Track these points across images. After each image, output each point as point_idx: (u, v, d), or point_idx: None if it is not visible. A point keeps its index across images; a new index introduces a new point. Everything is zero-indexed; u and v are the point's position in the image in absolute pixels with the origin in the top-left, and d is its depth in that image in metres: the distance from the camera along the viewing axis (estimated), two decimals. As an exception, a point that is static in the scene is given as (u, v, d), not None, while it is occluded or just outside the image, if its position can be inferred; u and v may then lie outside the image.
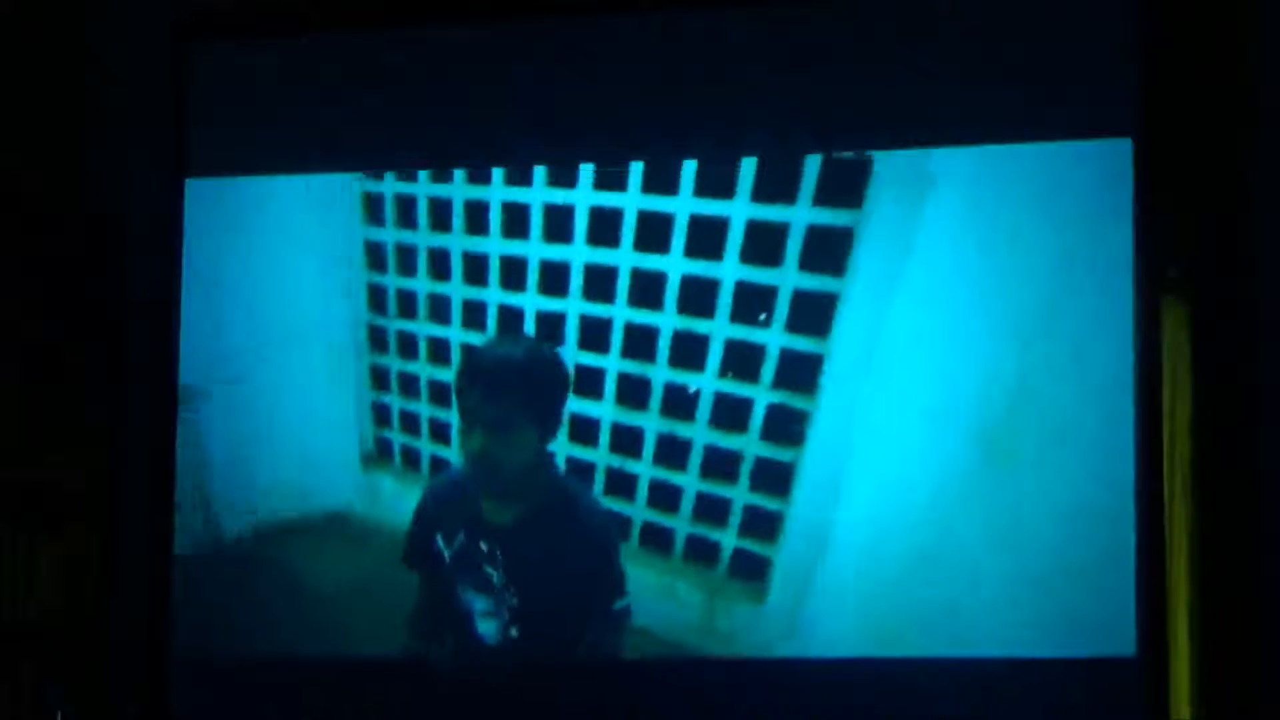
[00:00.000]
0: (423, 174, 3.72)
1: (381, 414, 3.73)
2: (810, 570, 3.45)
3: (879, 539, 3.41)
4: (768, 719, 3.47)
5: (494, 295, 3.66)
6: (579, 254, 3.61)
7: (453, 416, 3.67)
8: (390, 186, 3.73)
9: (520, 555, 3.63)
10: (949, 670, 3.37)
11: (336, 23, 3.82)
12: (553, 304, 3.62)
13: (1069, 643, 3.31)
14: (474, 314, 3.67)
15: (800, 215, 3.48)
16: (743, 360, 3.51)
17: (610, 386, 3.59)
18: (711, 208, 3.53)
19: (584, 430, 3.60)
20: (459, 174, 3.70)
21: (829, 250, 3.45)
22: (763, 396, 3.50)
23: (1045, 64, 3.42)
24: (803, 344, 3.47)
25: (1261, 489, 3.28)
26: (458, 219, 3.70)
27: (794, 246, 3.47)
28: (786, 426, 3.48)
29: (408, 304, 3.72)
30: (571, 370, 3.61)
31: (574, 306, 3.61)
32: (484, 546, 3.64)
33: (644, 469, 3.57)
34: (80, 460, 3.81)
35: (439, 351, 3.69)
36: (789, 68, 3.56)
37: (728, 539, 3.52)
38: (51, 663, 3.73)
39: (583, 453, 3.60)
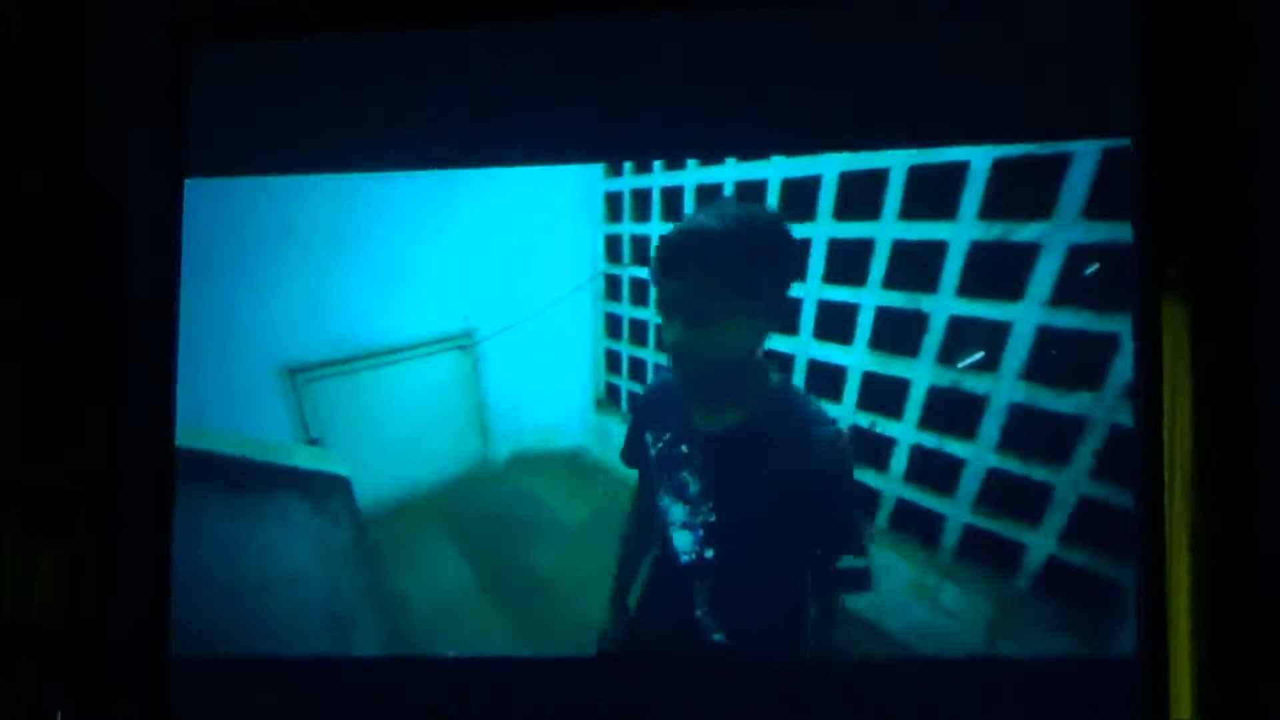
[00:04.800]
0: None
1: (612, 360, 3.64)
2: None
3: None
4: (765, 718, 3.48)
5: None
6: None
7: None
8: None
9: (724, 467, 3.15)
10: (949, 670, 3.37)
11: (336, 23, 3.82)
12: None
13: (1069, 643, 3.31)
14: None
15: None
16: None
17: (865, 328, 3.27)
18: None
19: (834, 325, 3.21)
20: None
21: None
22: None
23: (1045, 64, 3.42)
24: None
25: (1261, 489, 3.28)
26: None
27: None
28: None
29: (641, 251, 3.56)
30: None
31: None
32: (684, 449, 3.23)
33: (906, 430, 3.21)
34: (80, 460, 3.80)
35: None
36: (787, 68, 3.57)
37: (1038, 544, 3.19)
38: (51, 663, 3.73)
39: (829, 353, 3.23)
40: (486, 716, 3.61)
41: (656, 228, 3.57)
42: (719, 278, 3.14)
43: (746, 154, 3.55)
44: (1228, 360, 3.32)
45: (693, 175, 3.55)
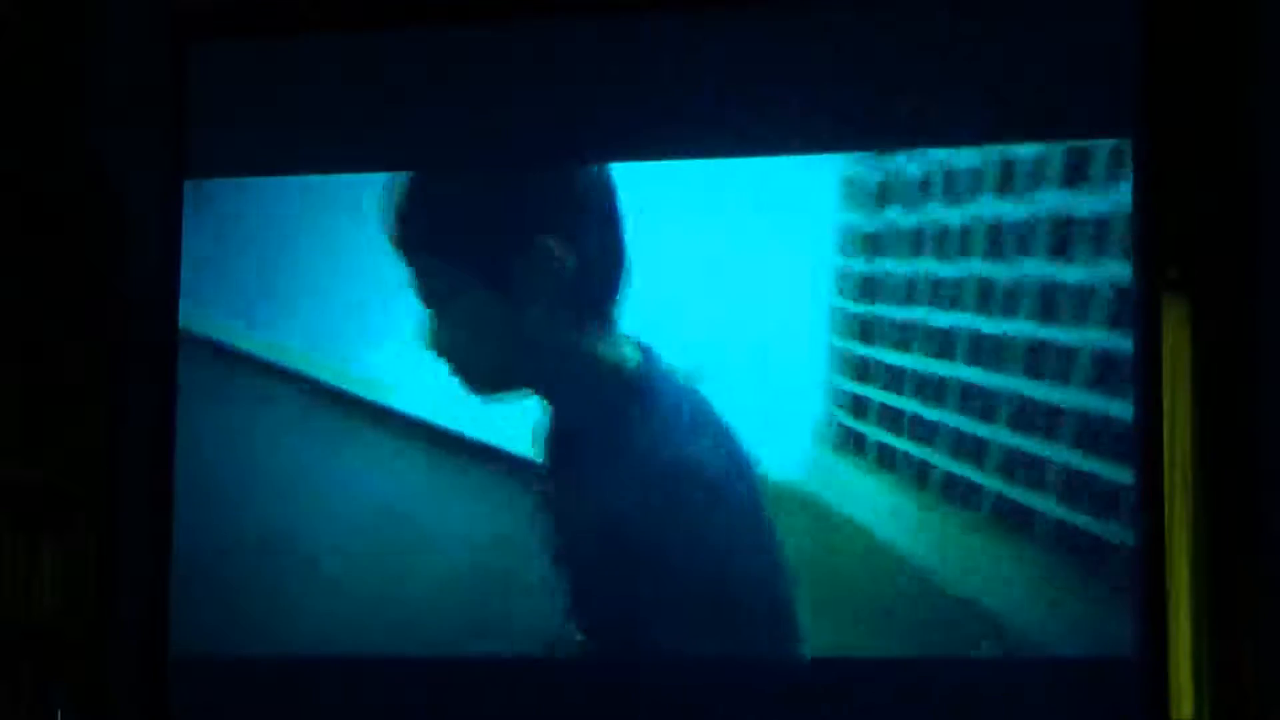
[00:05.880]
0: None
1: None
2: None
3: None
4: (762, 718, 3.48)
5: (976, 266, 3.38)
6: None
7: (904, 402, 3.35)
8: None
9: (555, 496, 2.57)
10: (949, 670, 3.37)
11: (336, 23, 3.82)
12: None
13: (1069, 643, 3.31)
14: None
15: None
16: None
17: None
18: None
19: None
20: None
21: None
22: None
23: (1045, 64, 3.43)
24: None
25: (1261, 489, 3.28)
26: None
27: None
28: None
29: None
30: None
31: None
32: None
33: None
34: (80, 460, 3.80)
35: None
36: (786, 68, 3.57)
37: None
38: (51, 663, 3.72)
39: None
40: (487, 716, 3.61)
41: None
42: (449, 234, 2.34)
43: (743, 154, 3.56)
44: (1228, 360, 3.32)
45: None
